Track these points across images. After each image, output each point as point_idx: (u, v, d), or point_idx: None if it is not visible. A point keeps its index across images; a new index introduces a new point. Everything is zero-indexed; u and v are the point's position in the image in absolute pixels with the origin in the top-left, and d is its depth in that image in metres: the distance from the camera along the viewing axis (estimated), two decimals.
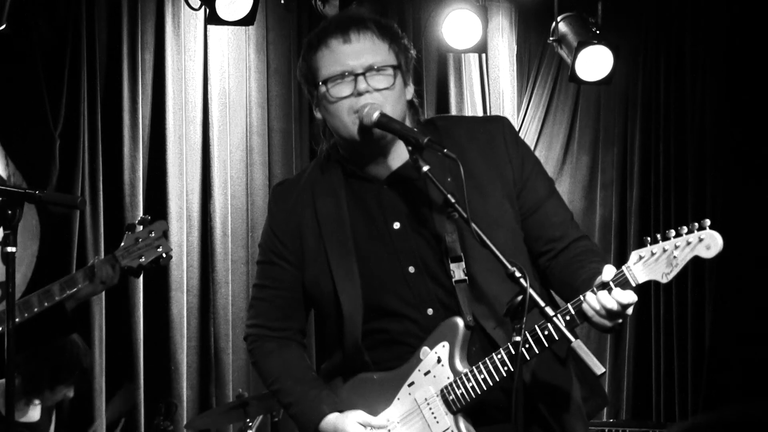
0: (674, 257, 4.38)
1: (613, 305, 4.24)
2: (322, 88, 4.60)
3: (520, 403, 4.33)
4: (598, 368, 4.37)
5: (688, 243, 4.36)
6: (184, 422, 8.46)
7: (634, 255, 4.40)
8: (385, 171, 4.70)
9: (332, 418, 4.69)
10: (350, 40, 4.62)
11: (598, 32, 9.25)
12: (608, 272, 4.26)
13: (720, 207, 9.92)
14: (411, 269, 4.67)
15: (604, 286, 4.26)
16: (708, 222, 4.35)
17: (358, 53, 4.60)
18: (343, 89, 4.57)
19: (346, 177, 4.78)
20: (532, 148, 9.76)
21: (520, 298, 4.28)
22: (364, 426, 4.67)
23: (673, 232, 4.38)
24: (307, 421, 4.73)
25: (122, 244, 6.33)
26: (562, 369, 4.72)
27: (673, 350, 10.05)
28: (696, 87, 10.22)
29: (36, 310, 6.15)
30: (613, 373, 9.85)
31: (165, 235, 6.32)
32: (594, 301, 4.26)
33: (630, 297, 4.27)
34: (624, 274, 4.35)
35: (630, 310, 4.33)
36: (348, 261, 4.72)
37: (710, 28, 10.04)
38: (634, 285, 4.35)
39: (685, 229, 4.36)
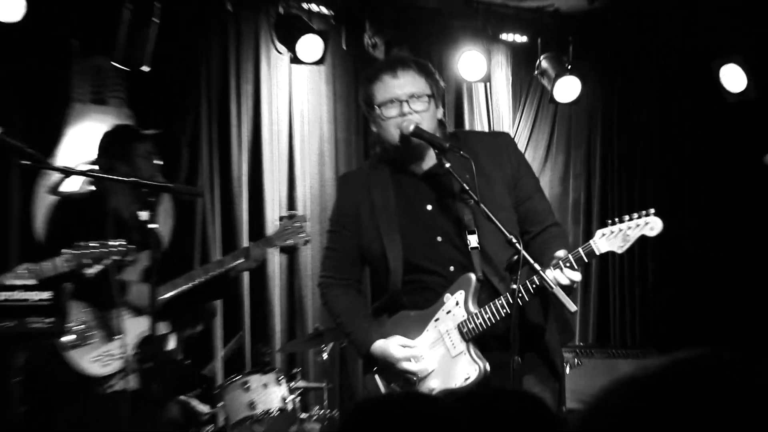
0: (627, 235, 4.52)
1: (562, 280, 4.43)
2: (377, 110, 4.71)
3: (516, 334, 4.43)
4: (572, 307, 4.46)
5: (638, 225, 4.50)
6: (278, 347, 8.52)
7: (598, 233, 4.55)
8: (420, 169, 4.82)
9: (379, 343, 4.77)
10: (397, 76, 4.72)
11: (569, 67, 9.27)
12: (562, 253, 4.49)
13: (659, 193, 10.01)
14: (439, 239, 4.78)
15: (564, 261, 4.47)
16: (653, 210, 4.50)
17: (402, 85, 4.71)
18: (391, 111, 4.67)
19: (392, 172, 4.88)
20: (523, 149, 9.81)
21: (516, 257, 4.44)
22: (403, 347, 4.76)
23: (627, 217, 4.52)
24: (361, 344, 4.84)
25: (277, 230, 6.46)
26: (544, 311, 4.83)
27: (625, 296, 10.11)
28: (641, 108, 10.28)
29: (212, 275, 6.26)
30: (583, 311, 9.90)
31: (303, 225, 6.42)
32: (554, 274, 4.46)
33: (577, 276, 4.48)
34: (590, 246, 4.48)
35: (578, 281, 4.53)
36: (393, 231, 4.81)
37: (650, 65, 10.10)
38: (598, 254, 4.49)
39: (636, 214, 4.51)
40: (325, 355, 7.71)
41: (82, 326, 5.86)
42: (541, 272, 4.44)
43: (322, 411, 7.55)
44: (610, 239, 4.53)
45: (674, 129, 10.18)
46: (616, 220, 4.55)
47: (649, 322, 10.07)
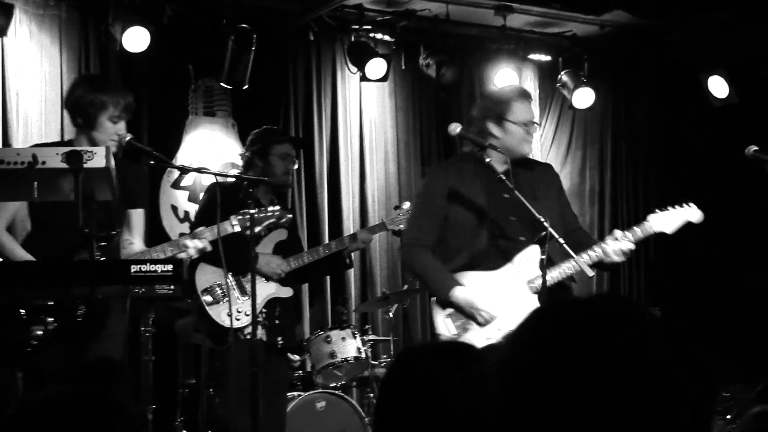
0: (676, 219, 4.93)
1: (624, 247, 4.87)
2: (518, 126, 5.00)
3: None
4: (590, 272, 4.77)
5: (686, 212, 4.94)
6: (353, 308, 8.55)
7: (651, 217, 4.97)
8: (501, 168, 4.98)
9: (462, 289, 4.93)
10: (530, 105, 5.16)
11: (585, 80, 9.27)
12: (619, 233, 4.94)
13: (658, 181, 9.98)
14: (512, 218, 5.01)
15: (620, 237, 4.91)
16: (693, 204, 4.93)
17: (534, 112, 5.25)
18: (529, 128, 5.07)
19: (478, 167, 5.04)
20: (548, 147, 9.84)
21: (543, 234, 4.70)
22: (482, 299, 4.92)
23: (676, 206, 4.93)
24: (442, 288, 4.97)
25: (391, 217, 6.49)
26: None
27: (632, 264, 10.09)
28: (644, 111, 10.26)
29: (331, 251, 6.30)
30: (599, 275, 9.88)
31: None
32: (616, 244, 4.89)
33: (630, 245, 4.91)
34: (646, 226, 4.98)
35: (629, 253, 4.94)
36: (482, 208, 5.02)
37: (650, 77, 10.05)
38: (651, 233, 4.92)
39: (684, 204, 4.93)
40: (390, 314, 7.73)
41: (218, 287, 5.96)
42: (564, 245, 4.71)
43: (389, 359, 7.60)
44: (664, 220, 4.91)
45: (670, 128, 10.16)
46: (667, 207, 4.95)
47: (651, 285, 10.07)
